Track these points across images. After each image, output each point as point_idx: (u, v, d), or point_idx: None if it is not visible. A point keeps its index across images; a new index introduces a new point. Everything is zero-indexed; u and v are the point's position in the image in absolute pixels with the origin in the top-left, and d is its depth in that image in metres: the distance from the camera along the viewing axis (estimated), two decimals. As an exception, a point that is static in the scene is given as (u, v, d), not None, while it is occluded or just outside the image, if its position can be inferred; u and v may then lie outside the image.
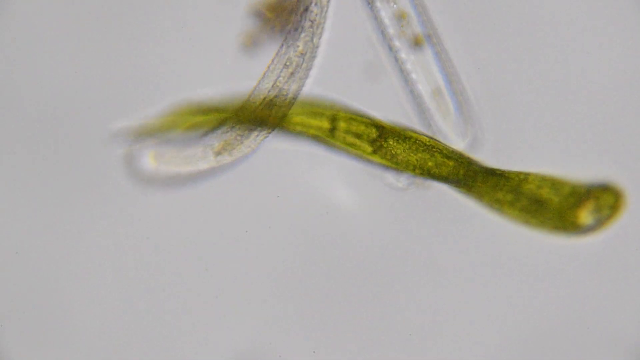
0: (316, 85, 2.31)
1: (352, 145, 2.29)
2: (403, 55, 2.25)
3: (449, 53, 2.27)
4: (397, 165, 2.28)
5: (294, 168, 2.36)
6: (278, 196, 2.35)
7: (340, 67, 2.32)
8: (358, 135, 2.28)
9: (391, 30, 2.25)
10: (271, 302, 2.37)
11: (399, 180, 2.27)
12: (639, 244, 2.31)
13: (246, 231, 2.36)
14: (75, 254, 2.37)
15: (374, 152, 2.29)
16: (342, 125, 2.29)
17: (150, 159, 2.32)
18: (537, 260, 2.34)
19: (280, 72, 2.21)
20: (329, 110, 2.30)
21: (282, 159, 2.36)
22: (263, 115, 2.24)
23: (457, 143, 2.29)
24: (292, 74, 2.20)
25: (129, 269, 2.37)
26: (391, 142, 2.27)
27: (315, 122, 2.29)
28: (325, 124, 2.30)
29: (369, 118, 2.30)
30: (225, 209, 2.36)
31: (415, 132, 2.30)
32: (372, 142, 2.28)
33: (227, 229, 2.36)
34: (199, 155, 2.30)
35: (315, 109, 2.31)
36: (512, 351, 2.35)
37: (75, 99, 2.35)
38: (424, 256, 2.35)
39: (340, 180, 2.35)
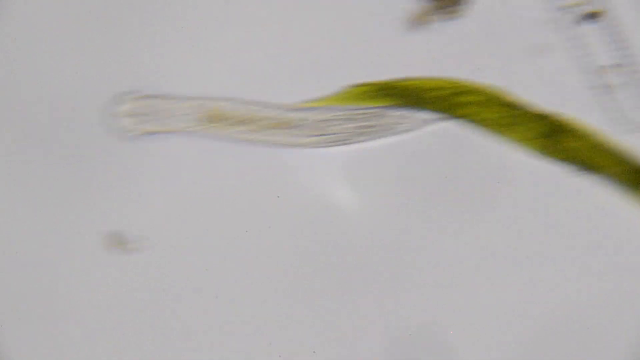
0: (473, 69, 2.31)
1: (519, 135, 2.28)
2: (577, 31, 2.22)
3: (623, 27, 2.23)
4: (568, 159, 2.26)
5: (294, 168, 2.36)
6: (278, 196, 2.35)
7: (502, 49, 2.31)
8: (529, 129, 2.26)
9: (564, 4, 2.21)
10: (271, 302, 2.37)
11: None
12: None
13: (246, 231, 2.36)
14: (75, 254, 2.37)
15: (547, 145, 2.28)
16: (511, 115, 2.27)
17: (123, 110, 2.31)
18: (539, 261, 2.34)
19: None
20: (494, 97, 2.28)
21: (282, 159, 2.36)
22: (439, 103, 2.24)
23: (630, 122, 2.23)
24: None
25: (128, 268, 2.37)
26: (565, 138, 2.24)
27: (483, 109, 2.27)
28: (493, 114, 2.27)
29: (539, 111, 2.28)
30: (225, 208, 2.36)
31: (586, 127, 2.27)
32: (545, 136, 2.26)
33: (227, 228, 2.36)
34: (184, 113, 2.29)
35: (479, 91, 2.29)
36: (512, 352, 2.35)
37: (75, 99, 2.35)
38: (424, 256, 2.35)
39: (340, 180, 2.35)
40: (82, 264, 2.37)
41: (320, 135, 2.31)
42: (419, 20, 2.21)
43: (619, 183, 2.29)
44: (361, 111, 2.30)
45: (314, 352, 2.36)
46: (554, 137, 2.25)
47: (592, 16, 2.15)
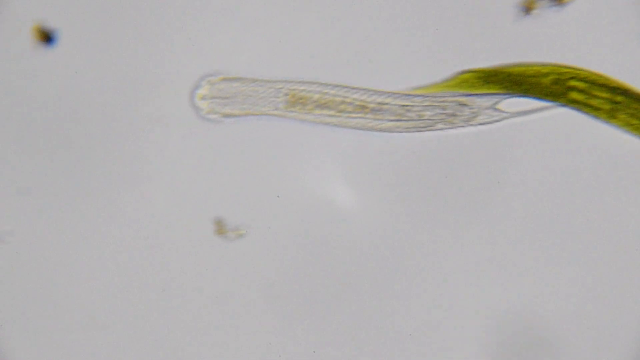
0: (580, 55, 2.31)
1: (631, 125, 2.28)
2: None
3: None
4: None
5: (293, 167, 2.36)
6: (278, 196, 2.35)
7: (608, 35, 2.31)
8: (634, 114, 2.25)
9: None
10: (271, 302, 2.37)
11: None
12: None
13: (246, 231, 2.36)
14: (75, 254, 2.37)
15: None
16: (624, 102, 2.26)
17: (200, 93, 2.31)
18: (539, 261, 2.34)
19: None
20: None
21: (282, 158, 2.36)
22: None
23: None
24: None
25: (128, 269, 2.37)
26: None
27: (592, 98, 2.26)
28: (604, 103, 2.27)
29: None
30: (224, 208, 2.36)
31: None
32: None
33: (227, 228, 2.36)
34: (268, 97, 2.28)
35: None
36: (512, 351, 2.35)
37: (75, 99, 2.35)
38: (424, 256, 2.35)
39: (340, 180, 2.35)
40: (82, 264, 2.37)
41: (400, 120, 2.30)
42: (527, 7, 2.21)
43: None
44: (444, 98, 2.29)
45: (313, 352, 2.36)
46: None
47: None
